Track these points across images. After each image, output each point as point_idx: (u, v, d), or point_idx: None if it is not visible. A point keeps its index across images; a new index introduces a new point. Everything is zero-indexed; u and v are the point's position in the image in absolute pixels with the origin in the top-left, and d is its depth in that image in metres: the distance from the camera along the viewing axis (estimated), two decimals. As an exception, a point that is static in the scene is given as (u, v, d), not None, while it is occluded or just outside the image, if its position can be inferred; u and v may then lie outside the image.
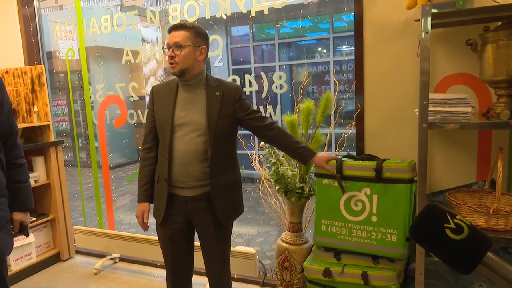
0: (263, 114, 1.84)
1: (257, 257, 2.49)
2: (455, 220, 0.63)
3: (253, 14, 2.54)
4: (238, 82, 2.72)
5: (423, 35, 1.58)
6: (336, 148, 2.35)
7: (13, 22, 3.22)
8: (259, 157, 2.66)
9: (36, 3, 3.28)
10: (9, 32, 3.20)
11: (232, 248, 2.51)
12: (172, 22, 2.80)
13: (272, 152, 2.28)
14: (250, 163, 2.73)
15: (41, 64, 3.24)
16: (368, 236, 1.83)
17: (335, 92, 2.37)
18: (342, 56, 6.69)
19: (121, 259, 3.12)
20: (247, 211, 5.10)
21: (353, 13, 2.17)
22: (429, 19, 1.56)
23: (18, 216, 1.67)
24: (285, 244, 2.23)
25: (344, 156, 1.98)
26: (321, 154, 1.90)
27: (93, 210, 3.34)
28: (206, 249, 1.82)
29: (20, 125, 2.93)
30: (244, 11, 2.57)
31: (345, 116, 2.45)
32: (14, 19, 3.22)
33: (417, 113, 1.64)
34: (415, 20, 1.89)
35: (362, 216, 1.85)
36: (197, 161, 1.69)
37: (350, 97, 2.48)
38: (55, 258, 3.14)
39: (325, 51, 6.89)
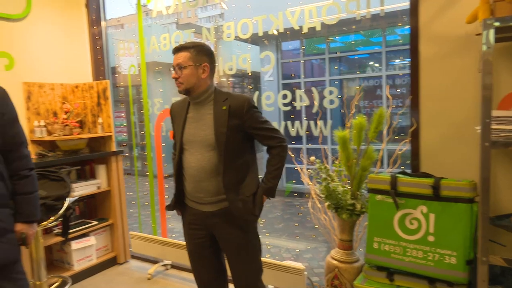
0: (274, 132, 1.79)
1: (306, 273, 2.47)
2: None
3: (305, 30, 2.58)
4: (289, 97, 2.76)
5: (485, 48, 1.52)
6: (389, 165, 2.30)
7: (83, 41, 3.52)
8: (308, 171, 2.66)
9: (103, 23, 3.57)
10: (79, 50, 3.50)
11: (279, 263, 2.52)
12: (226, 39, 2.91)
13: (322, 167, 2.27)
14: (299, 177, 2.73)
15: (106, 79, 3.51)
16: (424, 256, 1.76)
17: (388, 107, 2.32)
18: (395, 70, 6.51)
19: (173, 266, 3.23)
20: (295, 226, 5.07)
21: (407, 26, 2.14)
22: (492, 32, 1.50)
23: (18, 227, 1.67)
24: (335, 262, 2.20)
25: (399, 173, 1.93)
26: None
27: (148, 217, 3.50)
28: (232, 263, 1.84)
29: (86, 135, 3.19)
30: (296, 28, 2.61)
31: (399, 132, 2.39)
32: (84, 38, 3.53)
33: (479, 131, 1.56)
34: (476, 34, 1.82)
35: (417, 235, 1.78)
36: (211, 176, 1.72)
37: (404, 113, 2.42)
38: (113, 261, 3.33)
39: (377, 65, 6.75)
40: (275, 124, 2.82)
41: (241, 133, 1.74)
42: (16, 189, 1.66)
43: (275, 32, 2.75)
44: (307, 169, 2.64)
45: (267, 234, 4.75)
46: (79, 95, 3.37)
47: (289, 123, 2.81)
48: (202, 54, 1.73)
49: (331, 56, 6.91)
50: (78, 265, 3.03)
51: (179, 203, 1.89)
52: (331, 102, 2.61)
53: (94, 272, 3.15)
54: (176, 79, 1.74)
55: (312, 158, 2.37)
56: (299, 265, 2.49)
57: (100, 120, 3.27)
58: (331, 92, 2.61)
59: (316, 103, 2.67)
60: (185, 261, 3.00)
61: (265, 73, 6.39)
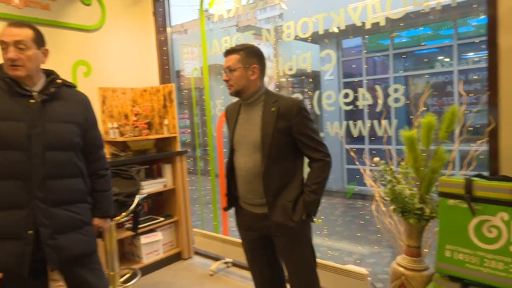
0: (320, 145, 1.72)
1: (369, 278, 2.38)
2: None
3: (368, 26, 2.48)
4: (351, 96, 2.67)
5: None
6: (462, 167, 2.12)
7: (151, 47, 3.73)
8: (372, 173, 2.55)
9: (168, 29, 3.76)
10: (147, 56, 3.72)
11: (341, 266, 2.45)
12: (286, 39, 2.90)
13: (387, 169, 2.16)
14: (362, 179, 2.64)
15: (171, 82, 3.68)
16: (506, 268, 1.59)
17: (460, 104, 2.15)
18: (468, 64, 6.02)
19: (234, 264, 3.29)
20: (358, 229, 4.91)
21: (482, 16, 1.95)
22: None
23: (96, 221, 1.82)
24: (401, 269, 2.08)
25: (474, 176, 1.77)
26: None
27: (210, 215, 3.61)
28: (286, 268, 1.84)
29: (153, 136, 3.37)
30: (359, 24, 2.53)
31: (473, 131, 2.20)
32: (152, 45, 3.74)
33: None
34: None
35: (497, 245, 1.62)
36: (259, 178, 1.72)
37: (480, 111, 2.23)
38: (177, 257, 3.48)
39: (447, 59, 6.30)
40: (336, 125, 2.76)
41: (288, 137, 1.71)
42: (94, 187, 1.82)
43: (336, 30, 2.69)
44: (370, 170, 2.54)
45: (326, 238, 4.65)
46: (147, 98, 3.57)
47: (350, 122, 2.73)
48: (252, 56, 1.74)
49: (395, 52, 6.59)
50: (147, 259, 3.22)
51: (232, 203, 1.92)
52: (396, 100, 2.48)
53: (160, 266, 3.32)
54: (226, 81, 1.76)
55: (376, 159, 2.27)
56: (362, 269, 2.40)
57: (166, 121, 3.45)
58: (396, 90, 2.48)
59: (380, 101, 2.56)
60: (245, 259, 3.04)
61: (325, 72, 6.27)
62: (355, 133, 2.71)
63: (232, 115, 1.87)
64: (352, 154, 2.76)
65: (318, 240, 4.04)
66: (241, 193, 1.82)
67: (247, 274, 3.13)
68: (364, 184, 2.62)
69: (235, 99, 1.88)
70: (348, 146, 2.99)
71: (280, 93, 1.84)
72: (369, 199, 2.77)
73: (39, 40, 1.62)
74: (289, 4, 3.49)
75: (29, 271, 1.55)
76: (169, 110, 3.45)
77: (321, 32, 2.71)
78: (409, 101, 2.60)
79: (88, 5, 3.24)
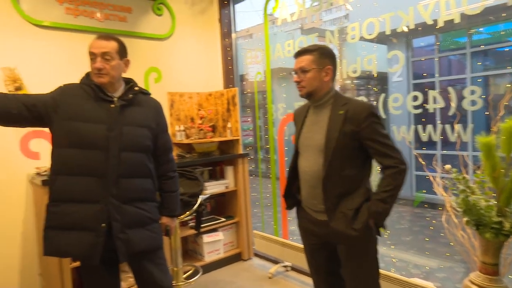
0: (393, 151, 1.60)
1: (437, 294, 2.21)
2: None
3: (440, 24, 2.32)
4: (420, 99, 2.52)
5: None
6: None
7: (216, 52, 3.87)
8: (443, 181, 2.38)
9: (233, 35, 3.86)
10: (213, 62, 3.86)
11: (407, 279, 2.32)
12: (351, 40, 2.83)
13: (460, 177, 2.00)
14: (431, 187, 2.47)
15: (235, 87, 3.77)
16: None
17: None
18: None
19: (293, 268, 3.27)
20: (426, 240, 4.60)
21: None
22: None
23: (164, 220, 1.96)
24: (475, 287, 1.90)
25: None
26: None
27: (270, 218, 3.63)
28: (347, 277, 1.76)
29: (217, 139, 3.48)
30: (430, 22, 2.38)
31: None
32: (217, 50, 3.87)
33: None
34: None
35: None
36: (321, 183, 1.66)
37: None
38: (237, 257, 3.55)
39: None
40: (403, 129, 2.61)
41: (355, 142, 1.64)
42: (163, 188, 1.95)
43: (405, 29, 2.55)
44: (441, 178, 2.37)
45: (392, 247, 4.42)
46: (212, 102, 3.70)
47: (419, 127, 2.57)
48: (325, 57, 1.70)
49: (473, 50, 6.06)
50: (208, 257, 3.33)
51: (293, 204, 1.90)
52: (473, 103, 2.29)
53: (221, 265, 3.41)
54: (298, 82, 1.73)
55: (448, 166, 2.10)
56: (430, 284, 2.25)
57: (229, 124, 3.54)
58: (472, 92, 2.28)
59: (453, 104, 2.38)
60: (305, 264, 3.00)
61: (393, 73, 6.00)
62: (424, 138, 2.54)
63: (299, 118, 1.86)
64: (420, 160, 2.59)
65: (382, 250, 3.86)
66: (304, 198, 1.78)
67: (306, 279, 3.09)
68: (434, 193, 2.45)
69: (301, 102, 1.86)
70: (416, 152, 2.81)
71: (350, 97, 1.77)
72: (440, 209, 2.58)
73: (122, 52, 1.78)
74: (354, 4, 3.39)
75: (101, 260, 1.69)
76: (232, 114, 3.54)
77: (388, 32, 2.59)
78: (488, 104, 2.38)
79: (160, 15, 3.46)
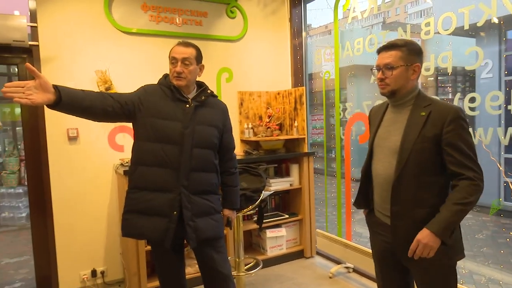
0: (473, 163, 1.45)
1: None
2: None
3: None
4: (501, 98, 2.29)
5: None
6: None
7: (285, 52, 3.94)
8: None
9: (303, 33, 3.89)
10: (282, 61, 3.94)
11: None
12: (424, 37, 2.68)
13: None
14: (510, 194, 2.25)
15: (303, 86, 3.81)
16: None
17: None
18: None
19: (355, 270, 3.23)
20: (503, 253, 4.16)
21: None
22: None
23: (226, 212, 2.14)
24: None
25: None
26: None
27: (334, 218, 3.61)
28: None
29: (284, 137, 3.56)
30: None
31: None
32: (287, 49, 3.94)
33: None
34: None
35: None
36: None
37: None
38: (299, 254, 3.60)
39: None
40: (490, 131, 2.39)
41: (437, 147, 1.50)
42: (225, 182, 2.12)
43: (495, 20, 2.34)
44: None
45: (474, 261, 4.07)
46: (280, 101, 3.79)
47: (499, 129, 2.34)
48: (414, 53, 1.59)
49: None
50: (271, 252, 3.43)
51: (365, 205, 1.81)
52: None
53: (283, 261, 3.49)
54: (381, 80, 1.61)
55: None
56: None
57: (296, 123, 3.59)
58: None
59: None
60: (367, 267, 2.95)
61: (481, 69, 5.45)
62: (504, 142, 2.32)
63: (376, 117, 1.76)
64: (498, 166, 2.38)
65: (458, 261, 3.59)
66: (377, 202, 1.68)
67: (368, 282, 3.03)
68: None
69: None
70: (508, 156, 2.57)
71: (434, 98, 1.65)
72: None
73: (199, 58, 1.98)
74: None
75: (171, 245, 1.88)
76: (299, 113, 3.59)
77: (480, 23, 2.39)
78: None
79: (233, 18, 3.64)
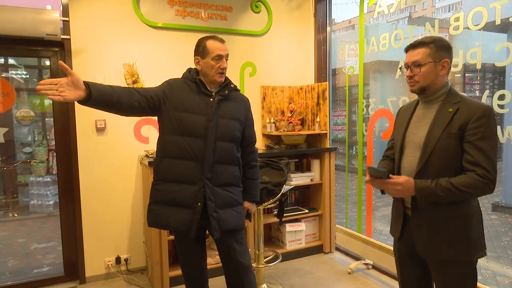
0: (488, 163, 1.43)
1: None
2: None
3: None
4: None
5: None
6: None
7: (309, 47, 3.93)
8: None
9: (328, 28, 3.86)
10: (306, 56, 3.92)
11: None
12: (453, 32, 2.62)
13: None
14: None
15: (326, 81, 3.79)
16: None
17: None
18: None
19: (374, 267, 3.22)
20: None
21: None
22: None
23: (246, 204, 2.14)
24: None
25: None
26: None
27: (354, 214, 3.60)
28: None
29: (305, 132, 3.56)
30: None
31: None
32: (311, 44, 3.92)
33: None
34: None
35: None
36: None
37: None
38: (318, 249, 3.61)
39: None
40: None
41: (462, 144, 1.50)
42: (246, 175, 2.15)
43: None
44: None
45: (497, 262, 3.97)
46: (302, 96, 3.79)
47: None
48: (442, 49, 1.58)
49: None
50: (290, 245, 3.46)
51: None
52: None
53: (301, 255, 3.52)
54: (410, 77, 1.62)
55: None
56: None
57: (318, 118, 3.59)
58: None
59: None
60: (387, 264, 2.93)
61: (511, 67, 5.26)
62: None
63: (405, 114, 1.75)
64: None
65: (481, 261, 3.53)
66: (406, 199, 1.67)
67: (387, 279, 3.02)
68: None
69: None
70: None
71: (465, 96, 1.63)
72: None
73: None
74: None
75: (194, 236, 1.93)
76: (322, 108, 3.58)
77: (498, 22, 2.34)
78: None
79: (257, 12, 3.65)
